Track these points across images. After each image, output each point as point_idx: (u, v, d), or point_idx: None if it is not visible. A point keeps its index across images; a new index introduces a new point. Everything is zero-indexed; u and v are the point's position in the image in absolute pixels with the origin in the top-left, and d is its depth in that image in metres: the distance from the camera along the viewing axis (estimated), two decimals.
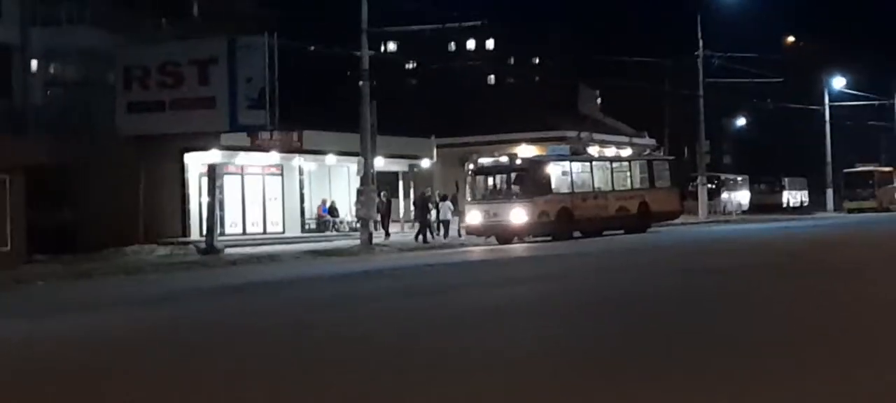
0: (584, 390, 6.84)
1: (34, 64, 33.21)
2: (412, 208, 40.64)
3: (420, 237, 34.66)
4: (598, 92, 71.62)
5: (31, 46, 31.97)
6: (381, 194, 36.97)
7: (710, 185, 56.68)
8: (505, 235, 32.96)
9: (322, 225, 41.64)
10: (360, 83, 33.57)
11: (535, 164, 34.54)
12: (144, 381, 7.90)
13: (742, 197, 67.32)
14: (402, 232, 41.07)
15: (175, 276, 22.89)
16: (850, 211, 59.16)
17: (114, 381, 7.98)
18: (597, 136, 51.69)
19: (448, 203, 37.05)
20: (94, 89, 34.84)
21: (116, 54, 34.64)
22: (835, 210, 62.46)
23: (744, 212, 61.73)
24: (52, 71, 35.39)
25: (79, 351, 10.13)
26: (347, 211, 41.17)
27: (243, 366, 8.38)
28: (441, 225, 36.84)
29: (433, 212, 36.59)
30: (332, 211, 42.22)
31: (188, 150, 36.11)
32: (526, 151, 36.87)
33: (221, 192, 35.64)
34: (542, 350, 8.82)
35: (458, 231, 36.29)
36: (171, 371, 8.29)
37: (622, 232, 35.75)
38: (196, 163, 36.56)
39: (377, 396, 6.93)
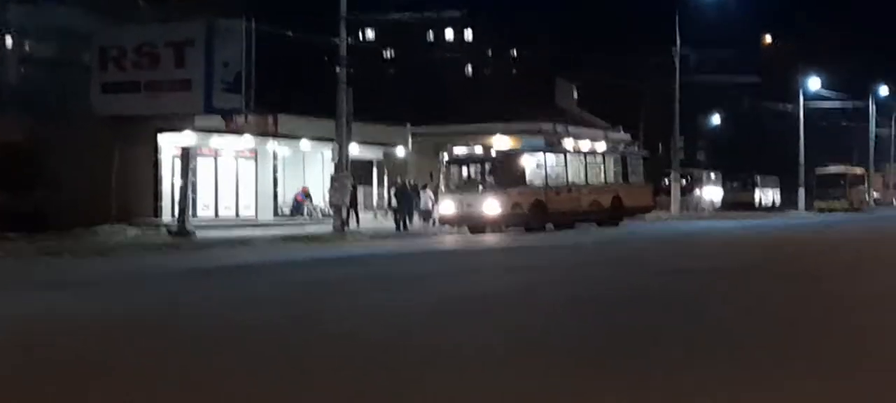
0: (581, 389, 6.79)
1: (9, 41, 32.97)
2: (387, 196, 40.66)
3: (401, 225, 34.92)
4: (575, 86, 71.72)
5: (6, 23, 31.70)
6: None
7: (683, 181, 56.89)
8: (478, 225, 33.07)
9: (295, 210, 41.62)
10: (338, 70, 33.53)
11: (510, 156, 34.62)
12: (133, 375, 7.88)
13: (715, 194, 67.59)
14: (376, 220, 41.11)
15: (147, 258, 22.81)
16: (821, 210, 59.61)
17: (105, 373, 7.93)
18: (572, 130, 51.80)
19: (429, 192, 37.14)
20: (70, 69, 34.57)
21: (93, 34, 34.43)
22: (806, 209, 62.83)
23: (716, 209, 61.99)
24: (27, 49, 35.13)
25: (42, 336, 10.11)
26: (321, 197, 41.18)
27: (230, 362, 8.20)
28: (422, 215, 36.93)
29: (406, 201, 36.69)
30: (307, 196, 42.23)
31: (162, 131, 36.03)
32: (501, 143, 36.86)
33: (194, 175, 35.56)
34: (519, 346, 8.88)
35: (434, 220, 36.38)
36: (158, 364, 8.17)
37: (595, 225, 35.92)
38: (170, 144, 36.48)
39: (372, 394, 6.94)
